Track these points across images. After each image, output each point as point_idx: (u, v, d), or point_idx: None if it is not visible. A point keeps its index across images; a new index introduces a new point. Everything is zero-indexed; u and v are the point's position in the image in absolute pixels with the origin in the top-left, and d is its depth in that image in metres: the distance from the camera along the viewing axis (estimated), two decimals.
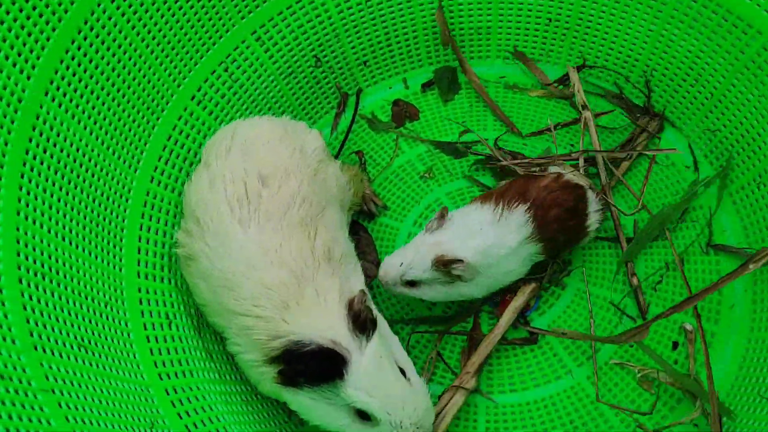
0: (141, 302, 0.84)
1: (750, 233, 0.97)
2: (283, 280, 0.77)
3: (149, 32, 0.90)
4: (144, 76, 0.91)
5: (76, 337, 0.71)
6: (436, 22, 1.12)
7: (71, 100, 0.81)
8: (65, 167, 0.79)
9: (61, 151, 0.79)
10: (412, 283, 0.87)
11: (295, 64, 1.09)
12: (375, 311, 0.83)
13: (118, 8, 0.85)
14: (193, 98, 0.98)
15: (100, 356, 0.73)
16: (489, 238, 0.85)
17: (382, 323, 0.85)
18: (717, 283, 0.84)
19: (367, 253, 1.01)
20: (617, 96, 1.10)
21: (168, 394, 0.79)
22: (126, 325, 0.80)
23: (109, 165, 0.86)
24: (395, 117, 1.14)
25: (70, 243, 0.77)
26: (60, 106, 0.79)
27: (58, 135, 0.79)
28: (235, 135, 0.88)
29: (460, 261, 0.83)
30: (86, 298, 0.76)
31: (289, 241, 0.79)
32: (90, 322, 0.75)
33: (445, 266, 0.84)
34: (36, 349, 0.65)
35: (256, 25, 1.03)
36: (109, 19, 0.84)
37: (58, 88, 0.79)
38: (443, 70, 1.17)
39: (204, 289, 0.82)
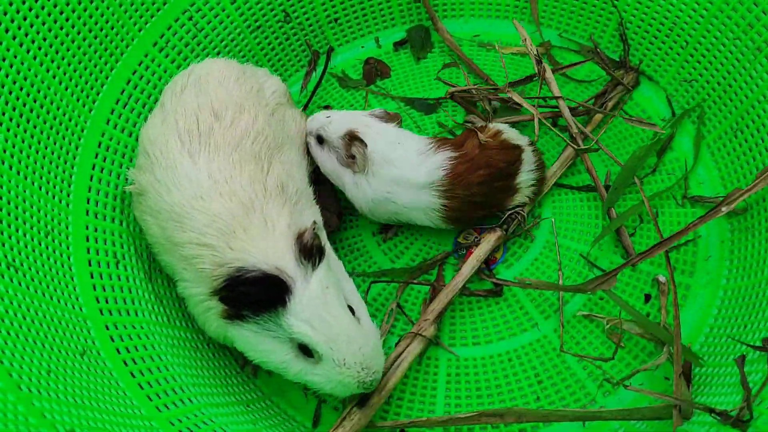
0: (88, 239, 0.83)
1: (727, 183, 0.94)
2: (231, 209, 0.75)
3: None
4: (102, 16, 0.90)
5: (6, 256, 0.69)
6: None
7: (26, 35, 0.80)
8: (16, 99, 0.78)
9: (14, 83, 0.78)
10: (320, 140, 0.91)
11: (263, 18, 1.09)
12: (329, 248, 0.81)
13: None
14: (155, 44, 0.98)
15: (32, 279, 0.71)
16: (402, 162, 0.87)
17: (336, 263, 0.83)
18: (688, 226, 0.81)
19: (329, 203, 0.99)
20: (592, 50, 1.09)
21: (108, 329, 0.77)
22: (69, 258, 0.79)
23: (62, 101, 0.85)
24: (366, 75, 1.13)
25: (11, 168, 0.76)
26: (14, 38, 0.79)
27: (11, 67, 0.78)
28: (191, 74, 0.87)
29: (365, 145, 0.86)
30: (24, 224, 0.74)
31: (240, 173, 0.78)
32: (26, 247, 0.73)
33: (350, 140, 0.86)
34: None
35: (177, 13, 1.02)
36: None
37: (12, 21, 0.78)
38: (416, 29, 1.16)
39: (153, 225, 0.80)
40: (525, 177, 0.91)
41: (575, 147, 0.97)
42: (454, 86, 1.05)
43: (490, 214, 0.93)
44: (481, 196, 0.88)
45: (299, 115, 0.93)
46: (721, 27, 0.95)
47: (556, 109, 1.01)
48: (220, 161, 0.77)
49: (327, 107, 1.10)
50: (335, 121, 0.90)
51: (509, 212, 0.93)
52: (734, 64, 0.94)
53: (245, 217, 0.74)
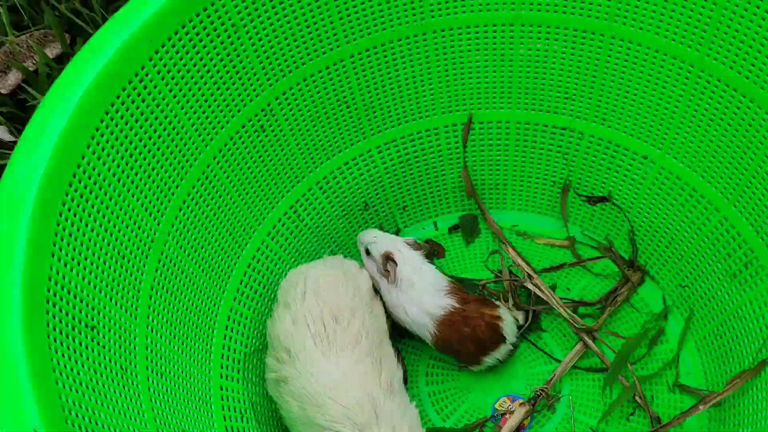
0: (222, 398, 1.14)
1: (708, 378, 1.24)
2: (361, 403, 1.02)
3: (239, 181, 1.23)
4: (233, 215, 1.24)
5: (179, 423, 1.01)
6: (462, 178, 1.46)
7: (185, 239, 1.14)
8: (173, 287, 1.11)
9: (172, 274, 1.11)
10: (368, 252, 1.28)
11: (348, 208, 1.43)
12: None
13: (221, 167, 1.20)
14: (269, 234, 1.32)
15: None
16: (419, 288, 1.23)
17: None
18: (671, 420, 1.11)
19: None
20: (608, 249, 1.41)
21: None
22: (212, 416, 1.10)
23: (204, 285, 1.18)
24: (426, 254, 1.46)
25: (174, 346, 1.08)
26: (177, 243, 1.13)
27: (174, 266, 1.12)
28: (307, 280, 1.16)
29: (395, 264, 1.23)
30: (187, 393, 1.07)
31: (363, 369, 1.06)
32: (188, 412, 1.05)
33: (386, 259, 1.24)
34: (155, 420, 0.96)
35: (320, 177, 1.37)
36: (215, 176, 1.18)
37: (177, 231, 1.13)
38: (467, 217, 1.49)
39: (294, 406, 1.07)
40: (486, 361, 1.23)
41: (575, 325, 1.28)
42: (495, 273, 1.38)
43: (462, 359, 1.27)
44: (457, 344, 1.23)
45: (381, 306, 1.25)
46: (708, 248, 1.26)
47: (567, 301, 1.32)
48: (346, 359, 1.06)
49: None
50: (379, 242, 1.29)
51: (537, 389, 1.24)
52: (716, 281, 1.25)
53: (374, 416, 1.01)
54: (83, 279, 0.92)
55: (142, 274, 1.05)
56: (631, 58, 1.22)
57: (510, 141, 1.42)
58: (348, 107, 1.34)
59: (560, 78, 1.31)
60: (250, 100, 1.21)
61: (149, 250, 1.07)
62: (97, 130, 0.96)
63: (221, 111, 1.17)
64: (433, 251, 1.47)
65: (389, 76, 1.33)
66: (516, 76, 1.33)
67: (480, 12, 1.26)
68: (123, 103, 1.00)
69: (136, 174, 1.05)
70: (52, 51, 1.63)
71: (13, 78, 1.59)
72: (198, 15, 1.07)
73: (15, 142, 1.47)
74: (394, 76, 1.33)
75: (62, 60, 1.63)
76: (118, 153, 1.00)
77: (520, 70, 1.32)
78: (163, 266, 1.09)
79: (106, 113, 0.97)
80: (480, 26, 1.28)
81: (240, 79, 1.17)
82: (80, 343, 0.88)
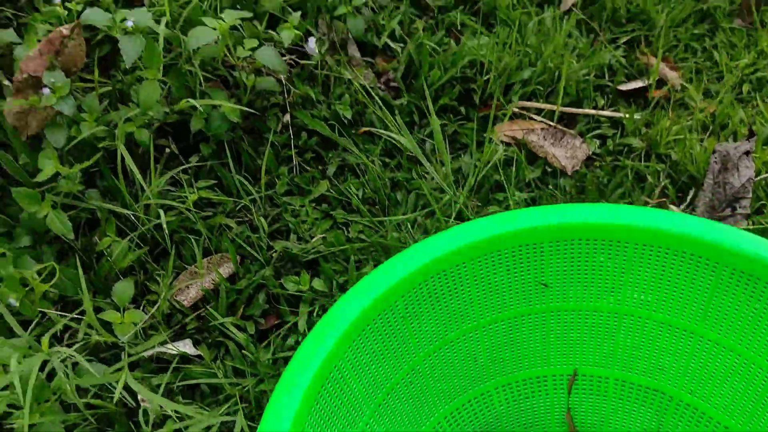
0: None
1: None
2: None
3: (389, 424, 1.57)
4: None
5: None
6: (565, 419, 1.75)
7: None
8: None
9: None
10: None
11: None
12: None
13: (378, 417, 1.53)
14: None
15: None
16: None
17: None
18: None
19: None
20: None
21: None
22: None
23: None
24: None
25: None
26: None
27: None
28: None
29: None
30: None
31: None
32: None
33: None
34: None
35: (447, 413, 1.69)
36: (374, 427, 1.52)
37: None
38: None
39: None
40: None
41: None
42: None
43: None
44: None
45: None
46: None
47: None
48: None
49: None
50: None
51: None
52: None
53: None
54: None
55: None
56: (716, 355, 1.52)
57: (608, 392, 1.71)
58: (475, 361, 1.67)
59: (655, 353, 1.62)
60: (405, 364, 1.56)
61: None
62: (308, 416, 1.31)
63: (382, 376, 1.52)
64: None
65: (512, 339, 1.66)
66: (617, 346, 1.64)
67: (590, 302, 1.59)
68: (324, 389, 1.35)
69: None
70: (225, 270, 2.04)
71: (194, 292, 2.00)
72: (379, 315, 1.44)
73: (199, 356, 1.85)
74: (515, 339, 1.66)
75: (234, 279, 2.04)
76: (315, 425, 1.35)
77: (621, 342, 1.63)
78: None
79: (315, 401, 1.33)
80: (590, 311, 1.61)
81: (399, 350, 1.53)
82: None
